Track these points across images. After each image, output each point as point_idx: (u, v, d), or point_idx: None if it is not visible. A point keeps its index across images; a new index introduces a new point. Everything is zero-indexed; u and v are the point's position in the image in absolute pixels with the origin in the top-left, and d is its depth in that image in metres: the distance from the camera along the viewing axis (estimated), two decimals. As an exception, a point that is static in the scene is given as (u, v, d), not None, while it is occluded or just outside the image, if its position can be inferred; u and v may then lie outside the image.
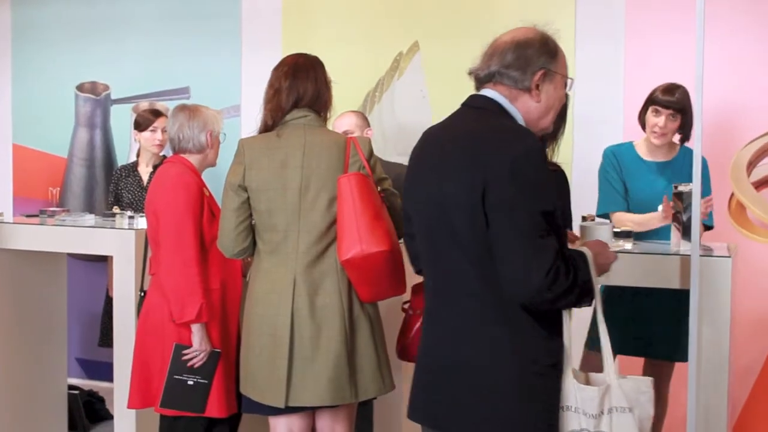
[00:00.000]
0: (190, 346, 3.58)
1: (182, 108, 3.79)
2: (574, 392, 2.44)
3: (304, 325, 3.22)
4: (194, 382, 3.61)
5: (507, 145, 2.34)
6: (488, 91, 2.53)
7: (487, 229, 2.34)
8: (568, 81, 2.57)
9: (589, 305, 2.51)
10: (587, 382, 2.53)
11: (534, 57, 2.50)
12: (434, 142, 2.61)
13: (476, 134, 2.43)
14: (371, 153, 3.32)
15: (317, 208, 3.24)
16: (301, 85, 3.32)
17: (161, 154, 5.13)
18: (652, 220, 3.87)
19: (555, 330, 2.44)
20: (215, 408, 3.61)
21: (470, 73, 2.60)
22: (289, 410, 3.27)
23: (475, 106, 2.56)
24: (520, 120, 2.49)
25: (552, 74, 2.51)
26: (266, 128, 3.34)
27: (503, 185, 2.31)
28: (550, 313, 2.42)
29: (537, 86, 2.48)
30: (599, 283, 3.23)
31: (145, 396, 3.71)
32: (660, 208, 3.77)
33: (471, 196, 2.35)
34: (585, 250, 2.49)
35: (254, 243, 3.36)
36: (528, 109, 2.50)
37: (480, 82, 2.58)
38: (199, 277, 3.53)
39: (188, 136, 3.71)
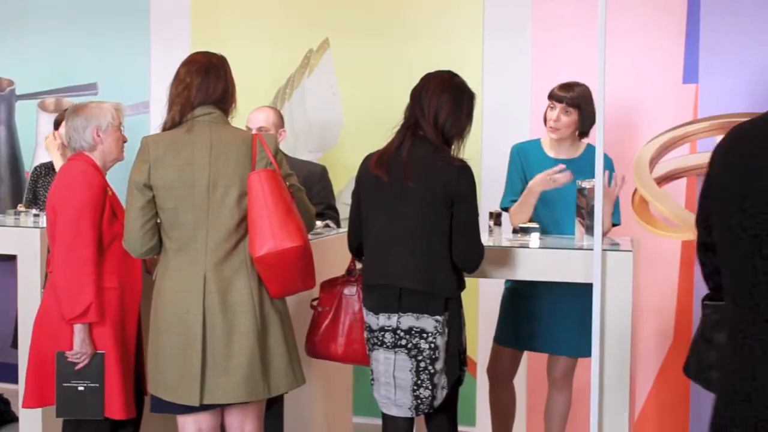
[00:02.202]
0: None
1: (71, 108, 3.78)
2: None
3: (216, 323, 3.21)
4: (84, 387, 3.56)
5: None
6: None
7: None
8: None
9: None
10: None
11: None
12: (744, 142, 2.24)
13: None
14: (277, 149, 3.33)
15: (226, 205, 3.23)
16: (212, 83, 3.32)
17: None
18: (528, 195, 3.96)
19: None
20: (117, 410, 3.58)
21: None
22: (198, 408, 3.26)
23: None
24: None
25: None
26: (173, 124, 3.32)
27: None
28: None
29: None
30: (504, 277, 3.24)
31: (41, 395, 3.66)
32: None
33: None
34: None
35: (160, 241, 3.33)
36: None
37: None
38: (92, 277, 3.49)
39: (74, 136, 3.68)
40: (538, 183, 3.91)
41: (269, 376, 3.27)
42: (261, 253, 3.18)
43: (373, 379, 3.44)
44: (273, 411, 3.84)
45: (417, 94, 3.43)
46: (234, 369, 3.21)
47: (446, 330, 3.34)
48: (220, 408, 3.34)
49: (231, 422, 3.39)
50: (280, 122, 4.63)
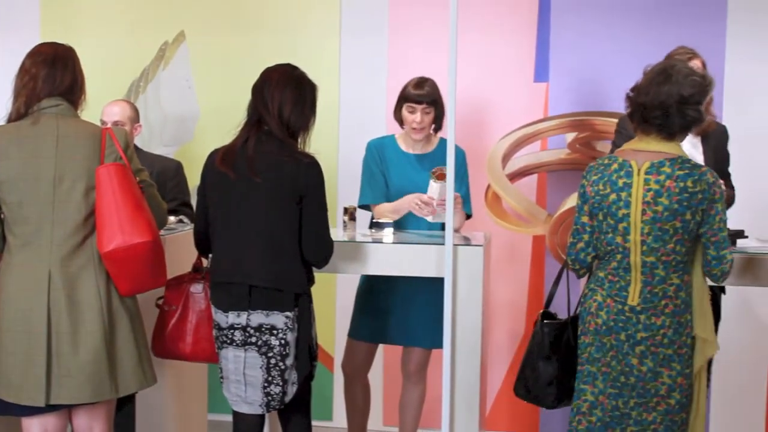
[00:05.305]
0: None
1: None
2: None
3: (62, 321, 3.14)
4: None
5: None
6: None
7: None
8: None
9: None
10: None
11: None
12: None
13: None
14: (128, 144, 3.28)
15: (72, 199, 3.16)
16: (58, 74, 3.25)
17: None
18: (403, 203, 4.00)
19: None
20: None
21: None
22: (44, 409, 3.18)
23: None
24: None
25: None
26: (18, 116, 3.24)
27: None
28: None
29: None
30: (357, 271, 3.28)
31: None
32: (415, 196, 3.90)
33: None
34: None
35: (4, 238, 3.23)
36: None
37: None
38: None
39: None
40: (407, 204, 3.96)
41: (117, 376, 3.21)
42: (109, 248, 3.12)
43: (222, 377, 3.42)
44: (124, 411, 3.76)
45: (259, 89, 3.41)
46: (80, 368, 3.14)
47: (296, 326, 3.34)
48: (67, 409, 3.27)
49: (79, 424, 3.32)
50: (136, 116, 4.56)
